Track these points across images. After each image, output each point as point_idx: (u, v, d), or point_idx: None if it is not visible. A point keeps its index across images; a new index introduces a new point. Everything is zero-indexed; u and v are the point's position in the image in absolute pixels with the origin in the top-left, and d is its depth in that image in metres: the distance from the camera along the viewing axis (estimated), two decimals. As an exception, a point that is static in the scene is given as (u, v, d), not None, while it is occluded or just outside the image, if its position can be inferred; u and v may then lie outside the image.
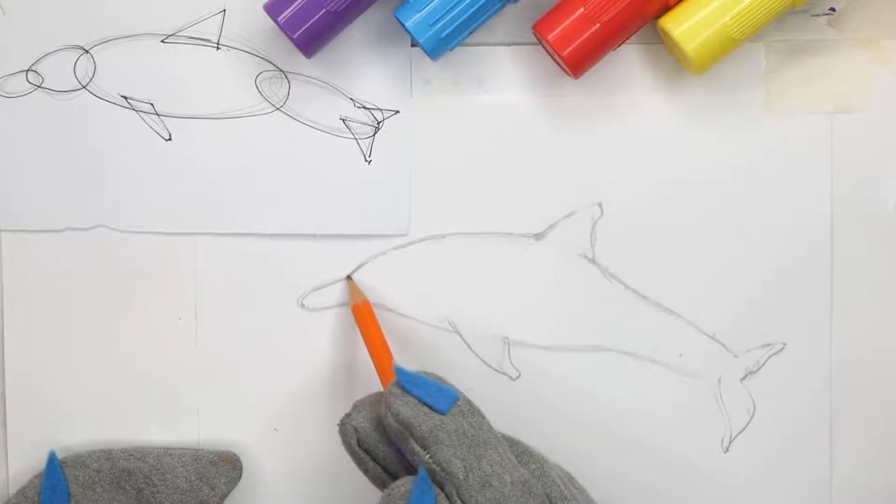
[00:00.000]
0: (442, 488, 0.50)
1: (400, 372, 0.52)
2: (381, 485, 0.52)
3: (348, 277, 0.58)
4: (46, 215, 0.58)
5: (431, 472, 0.50)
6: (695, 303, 0.58)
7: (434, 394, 0.51)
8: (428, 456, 0.50)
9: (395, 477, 0.51)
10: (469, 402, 0.52)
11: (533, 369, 0.58)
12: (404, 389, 0.51)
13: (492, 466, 0.50)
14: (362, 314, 0.56)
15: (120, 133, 0.58)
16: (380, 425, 0.52)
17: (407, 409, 0.50)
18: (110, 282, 0.58)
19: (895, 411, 0.58)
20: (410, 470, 0.51)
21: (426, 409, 0.51)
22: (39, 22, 0.57)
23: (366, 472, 0.52)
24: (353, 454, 0.52)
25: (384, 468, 0.52)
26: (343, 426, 0.52)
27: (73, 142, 0.58)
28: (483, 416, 0.52)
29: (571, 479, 0.55)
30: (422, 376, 0.52)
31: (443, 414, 0.51)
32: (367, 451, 0.52)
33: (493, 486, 0.50)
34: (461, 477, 0.49)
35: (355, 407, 0.53)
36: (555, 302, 0.58)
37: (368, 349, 0.55)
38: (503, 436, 0.53)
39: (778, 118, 0.58)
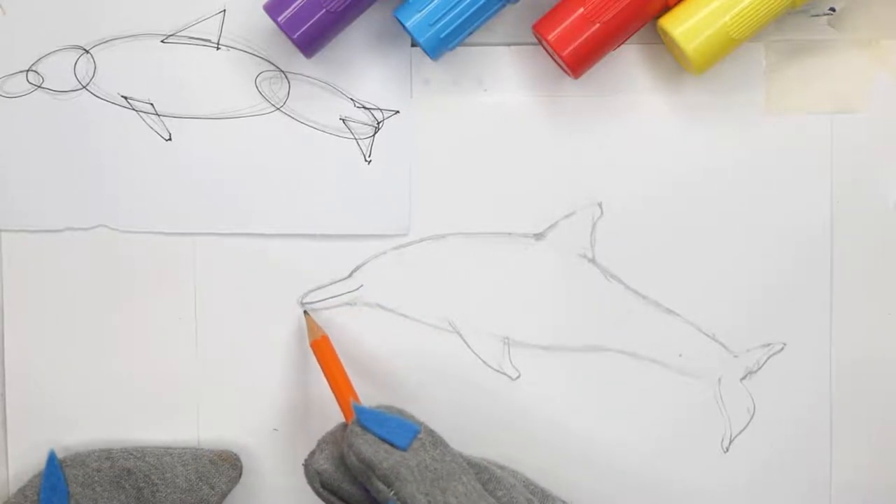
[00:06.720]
0: None
1: (359, 410, 0.52)
2: None
3: (305, 312, 0.58)
4: (46, 215, 0.58)
5: None
6: (695, 303, 0.58)
7: (394, 429, 0.51)
8: (392, 493, 0.49)
9: None
10: (431, 433, 0.52)
11: (533, 369, 0.58)
12: (364, 427, 0.51)
13: (457, 499, 0.50)
14: (322, 349, 0.56)
15: (120, 133, 0.58)
16: (343, 464, 0.52)
17: (367, 447, 0.50)
18: (110, 282, 0.58)
19: (895, 411, 0.58)
20: None
21: (387, 447, 0.51)
22: (39, 22, 0.57)
23: None
24: (318, 495, 0.52)
25: None
26: (306, 468, 0.52)
27: (73, 142, 0.58)
28: (446, 447, 0.52)
29: (545, 497, 0.54)
30: (381, 412, 0.52)
31: (404, 450, 0.50)
32: (332, 492, 0.52)
33: None
34: None
35: (318, 446, 0.53)
36: (555, 302, 0.58)
37: (330, 385, 0.55)
38: (470, 461, 0.53)
39: (778, 118, 0.58)
